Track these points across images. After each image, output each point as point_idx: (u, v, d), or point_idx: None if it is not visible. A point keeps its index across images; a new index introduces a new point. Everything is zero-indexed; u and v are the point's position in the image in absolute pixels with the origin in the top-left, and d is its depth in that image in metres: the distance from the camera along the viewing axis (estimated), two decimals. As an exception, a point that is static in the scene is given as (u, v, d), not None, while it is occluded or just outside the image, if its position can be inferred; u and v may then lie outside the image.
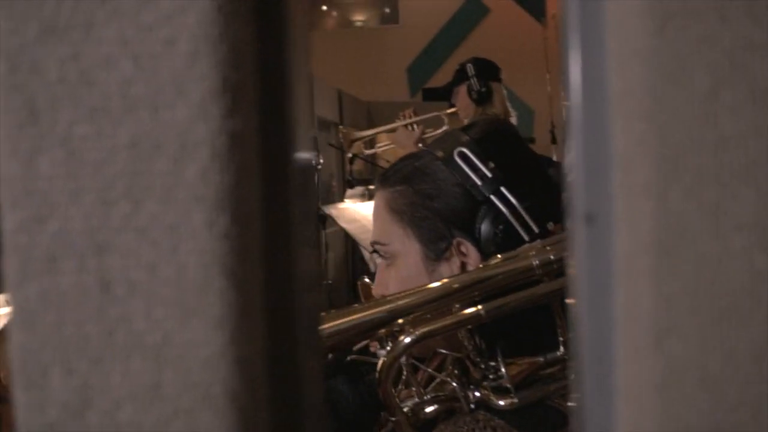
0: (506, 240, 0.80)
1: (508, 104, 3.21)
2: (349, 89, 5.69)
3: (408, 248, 0.86)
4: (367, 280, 2.21)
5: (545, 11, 8.79)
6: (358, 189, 3.87)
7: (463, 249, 0.83)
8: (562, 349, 0.74)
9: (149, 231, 0.26)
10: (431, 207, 0.84)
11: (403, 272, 0.87)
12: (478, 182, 0.82)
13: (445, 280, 0.74)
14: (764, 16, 0.25)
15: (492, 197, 0.81)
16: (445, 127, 3.27)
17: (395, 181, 0.88)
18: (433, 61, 9.33)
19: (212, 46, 0.25)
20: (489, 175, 0.81)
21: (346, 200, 3.65)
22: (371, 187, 4.86)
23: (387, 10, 10.30)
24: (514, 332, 0.76)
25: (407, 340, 0.70)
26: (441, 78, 5.22)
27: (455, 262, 0.83)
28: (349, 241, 4.11)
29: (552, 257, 0.72)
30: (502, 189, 0.81)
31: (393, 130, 3.05)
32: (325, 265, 3.20)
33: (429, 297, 0.72)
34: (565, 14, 0.27)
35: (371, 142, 3.24)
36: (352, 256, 4.87)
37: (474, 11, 9.55)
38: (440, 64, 9.16)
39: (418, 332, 0.70)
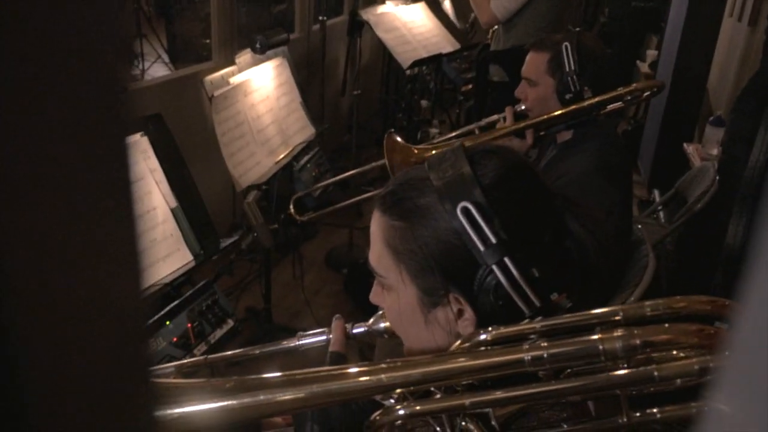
0: (504, 310, 0.76)
1: None
2: None
3: (403, 289, 0.83)
4: (396, 137, 2.15)
5: None
6: (402, -10, 3.53)
7: (460, 301, 0.80)
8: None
9: None
10: (429, 256, 0.79)
11: (396, 306, 0.85)
12: (481, 247, 0.76)
13: (434, 365, 0.72)
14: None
15: (494, 266, 0.75)
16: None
17: (394, 215, 0.82)
18: None
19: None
20: (493, 240, 0.75)
21: (387, 1, 3.38)
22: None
23: None
24: None
25: (401, 412, 0.72)
26: None
27: (452, 310, 0.80)
28: (384, 50, 3.86)
29: (545, 355, 0.68)
30: (506, 259, 0.75)
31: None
32: (358, 74, 3.09)
33: (423, 376, 0.71)
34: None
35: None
36: (387, 65, 4.57)
37: None
38: None
39: (411, 410, 0.72)
